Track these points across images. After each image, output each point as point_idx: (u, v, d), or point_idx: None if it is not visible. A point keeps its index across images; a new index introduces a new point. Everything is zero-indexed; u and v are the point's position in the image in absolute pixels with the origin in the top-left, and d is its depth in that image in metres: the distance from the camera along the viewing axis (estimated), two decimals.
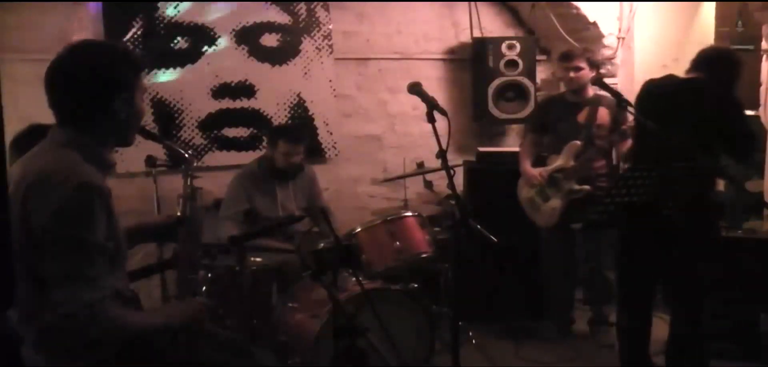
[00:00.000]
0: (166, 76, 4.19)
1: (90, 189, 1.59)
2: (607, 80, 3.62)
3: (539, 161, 3.87)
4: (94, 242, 1.59)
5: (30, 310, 1.60)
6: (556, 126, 3.82)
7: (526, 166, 3.82)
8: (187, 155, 2.10)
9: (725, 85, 2.88)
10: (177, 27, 4.19)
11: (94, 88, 1.68)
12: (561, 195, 3.69)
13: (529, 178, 3.79)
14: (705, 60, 2.93)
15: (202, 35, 4.26)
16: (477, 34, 4.87)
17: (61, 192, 1.56)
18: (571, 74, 3.72)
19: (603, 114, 3.73)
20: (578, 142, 3.67)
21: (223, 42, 4.32)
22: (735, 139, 2.81)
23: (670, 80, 2.99)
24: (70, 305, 1.54)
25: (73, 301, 1.54)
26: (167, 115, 4.20)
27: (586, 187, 3.66)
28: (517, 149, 4.05)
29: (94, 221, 1.59)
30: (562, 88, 4.02)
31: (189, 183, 2.06)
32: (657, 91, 2.97)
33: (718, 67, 2.90)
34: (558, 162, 3.72)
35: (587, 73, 3.74)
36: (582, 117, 3.74)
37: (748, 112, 4.49)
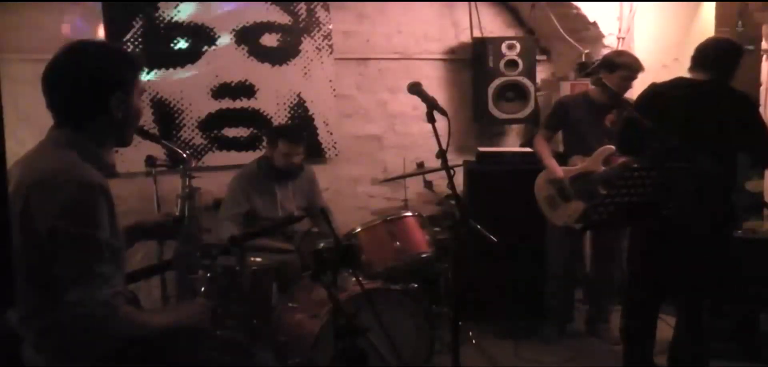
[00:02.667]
0: (166, 76, 4.19)
1: (93, 187, 1.59)
2: None
3: (558, 160, 3.79)
4: (102, 240, 1.59)
5: (31, 310, 1.60)
6: (578, 126, 3.75)
7: (552, 161, 3.74)
8: (185, 155, 2.10)
9: (730, 78, 2.85)
10: (177, 27, 4.19)
11: (90, 88, 1.68)
12: (585, 198, 3.63)
13: (553, 173, 3.70)
14: (710, 57, 2.86)
15: (202, 35, 4.26)
16: (477, 34, 4.87)
17: (66, 192, 1.56)
18: (605, 96, 3.62)
19: None
20: (612, 147, 3.57)
21: (223, 42, 4.32)
22: (759, 147, 2.79)
23: (680, 82, 2.93)
24: (87, 305, 1.53)
25: (89, 300, 1.54)
26: (167, 115, 4.20)
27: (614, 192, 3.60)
28: (517, 149, 4.04)
29: (100, 218, 1.59)
30: (589, 87, 3.93)
31: (188, 183, 2.06)
32: (667, 92, 2.91)
33: (724, 62, 2.85)
34: (585, 165, 3.66)
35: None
36: (609, 120, 3.69)
37: None
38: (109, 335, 1.59)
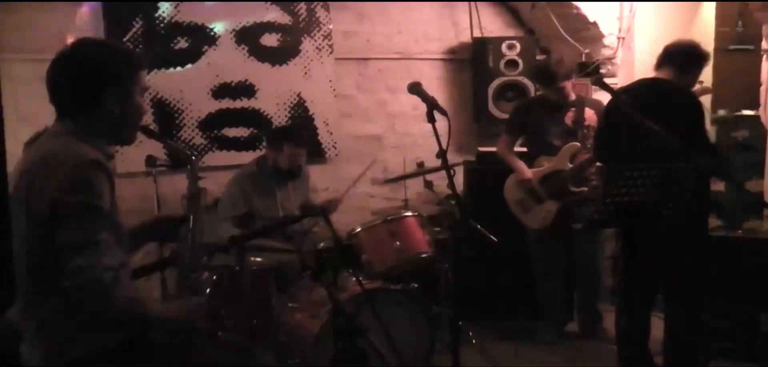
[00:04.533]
0: (166, 76, 4.19)
1: (93, 163, 1.62)
2: (607, 80, 3.62)
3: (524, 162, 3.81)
4: (104, 209, 1.60)
5: (31, 300, 1.61)
6: (539, 127, 3.78)
7: (520, 164, 3.77)
8: (193, 156, 2.09)
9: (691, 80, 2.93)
10: (177, 27, 4.19)
11: (83, 82, 1.71)
12: (557, 198, 3.67)
13: (523, 176, 3.73)
14: (673, 57, 2.94)
15: (202, 35, 4.26)
16: (477, 34, 4.87)
17: (66, 167, 1.59)
18: (554, 97, 3.69)
19: (590, 115, 3.72)
20: (577, 144, 3.64)
21: (223, 42, 4.32)
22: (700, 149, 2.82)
23: (642, 83, 2.98)
24: (92, 270, 1.53)
25: (94, 265, 1.53)
26: (167, 115, 4.20)
27: (585, 189, 3.65)
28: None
29: (100, 190, 1.61)
30: None
31: (194, 184, 2.05)
32: (629, 94, 2.94)
33: (689, 63, 2.92)
34: (553, 164, 3.69)
35: (570, 86, 3.73)
36: (569, 119, 3.73)
37: (748, 112, 4.51)
38: (112, 305, 1.58)
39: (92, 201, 1.58)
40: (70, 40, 1.83)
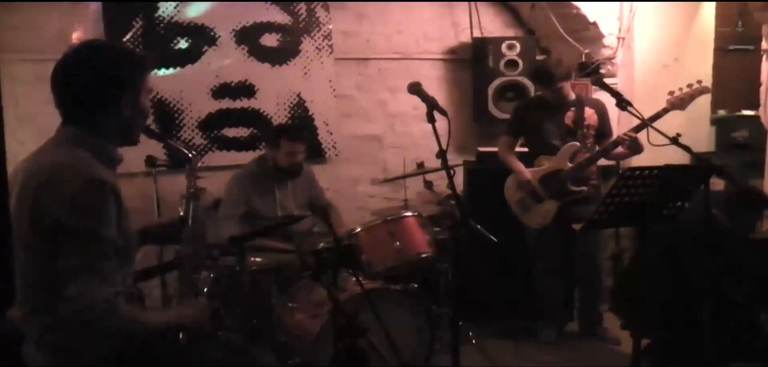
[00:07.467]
0: (166, 76, 4.19)
1: (102, 184, 1.60)
2: (607, 80, 3.63)
3: (525, 162, 3.83)
4: (107, 237, 1.59)
5: (34, 307, 1.60)
6: (539, 127, 3.78)
7: (521, 166, 3.78)
8: (191, 155, 2.09)
9: None
10: (177, 27, 4.19)
11: (98, 87, 1.69)
12: (557, 197, 3.67)
13: (522, 176, 3.74)
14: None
15: (202, 35, 4.26)
16: (477, 34, 4.88)
17: (74, 187, 1.57)
18: (553, 97, 3.70)
19: (590, 114, 3.72)
20: (577, 144, 3.65)
21: (223, 42, 4.32)
22: None
23: None
24: (87, 299, 1.53)
25: (89, 295, 1.53)
26: (167, 115, 4.20)
27: (584, 188, 3.65)
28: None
29: (106, 215, 1.59)
30: None
31: (193, 183, 2.05)
32: None
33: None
34: (553, 164, 3.70)
35: (568, 86, 3.73)
36: (569, 119, 3.74)
37: (748, 112, 4.52)
38: (107, 333, 1.59)
39: (95, 227, 1.57)
40: (74, 39, 1.81)
